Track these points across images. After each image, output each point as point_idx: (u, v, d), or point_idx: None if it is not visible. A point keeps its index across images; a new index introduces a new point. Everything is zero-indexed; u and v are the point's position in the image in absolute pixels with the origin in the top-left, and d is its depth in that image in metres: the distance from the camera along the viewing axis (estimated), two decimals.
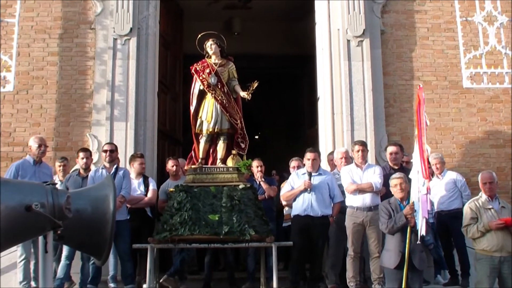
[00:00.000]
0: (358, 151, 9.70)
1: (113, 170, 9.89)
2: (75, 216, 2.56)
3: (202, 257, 11.61)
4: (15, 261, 9.67)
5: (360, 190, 9.50)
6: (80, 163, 10.18)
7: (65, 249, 9.53)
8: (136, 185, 10.37)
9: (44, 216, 2.39)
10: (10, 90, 11.95)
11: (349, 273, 9.34)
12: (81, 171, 10.08)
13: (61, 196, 2.50)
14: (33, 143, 9.80)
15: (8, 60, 12.10)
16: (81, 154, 10.17)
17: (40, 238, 2.49)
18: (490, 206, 8.72)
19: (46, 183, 2.56)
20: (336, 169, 10.56)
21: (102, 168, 10.06)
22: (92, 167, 10.73)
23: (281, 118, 21.28)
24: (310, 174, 9.68)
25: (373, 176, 9.51)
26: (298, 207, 9.76)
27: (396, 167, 9.97)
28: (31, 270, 9.49)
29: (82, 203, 2.65)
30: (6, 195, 2.40)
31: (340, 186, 9.82)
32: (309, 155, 9.92)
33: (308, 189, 9.62)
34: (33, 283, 9.40)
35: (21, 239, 2.81)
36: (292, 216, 10.02)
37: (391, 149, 10.29)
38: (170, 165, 10.95)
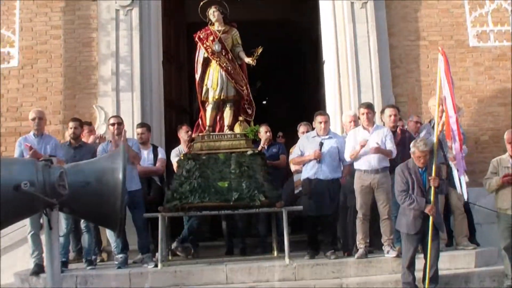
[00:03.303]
0: (363, 113, 9.60)
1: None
2: (81, 189, 2.55)
3: (214, 225, 11.70)
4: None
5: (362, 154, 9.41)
6: (69, 132, 10.14)
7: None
8: (145, 155, 10.37)
9: (34, 195, 2.37)
10: (15, 65, 11.94)
11: (359, 236, 9.36)
12: (72, 141, 10.05)
13: (53, 173, 2.47)
14: (30, 116, 9.79)
15: (11, 35, 12.07)
16: (70, 124, 10.11)
17: (43, 216, 2.48)
18: (509, 165, 8.82)
19: (45, 160, 2.54)
20: (345, 132, 10.53)
21: (109, 141, 10.03)
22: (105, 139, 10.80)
23: (287, 83, 21.19)
24: (321, 144, 9.61)
25: (388, 143, 9.40)
26: (308, 171, 9.74)
27: (393, 130, 9.87)
28: (43, 243, 9.53)
29: (86, 175, 2.63)
30: None
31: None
32: (320, 118, 9.86)
33: (318, 159, 9.58)
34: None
35: (15, 219, 2.76)
36: (301, 180, 10.00)
37: (390, 111, 10.13)
38: (185, 131, 10.91)
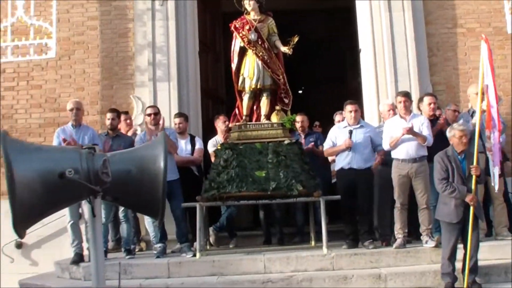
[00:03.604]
0: (400, 102, 9.49)
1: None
2: (123, 177, 2.55)
3: (252, 215, 11.73)
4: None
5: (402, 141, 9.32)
6: (106, 123, 10.22)
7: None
8: (183, 145, 10.40)
9: (78, 182, 2.38)
10: (53, 56, 12.05)
11: (397, 225, 9.29)
12: (109, 131, 10.12)
13: (97, 160, 2.48)
14: (67, 107, 9.88)
15: (49, 26, 12.18)
16: (108, 115, 10.21)
17: (86, 204, 2.49)
18: None
19: (88, 148, 2.55)
20: (383, 121, 10.46)
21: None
22: (138, 129, 10.85)
23: (323, 72, 21.09)
24: (350, 132, 9.56)
25: (424, 130, 9.29)
26: (341, 161, 9.70)
27: (431, 118, 9.77)
28: (83, 232, 9.65)
29: (127, 163, 2.64)
30: (39, 163, 2.40)
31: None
32: (349, 107, 9.81)
33: (349, 148, 9.53)
34: (87, 245, 9.55)
35: (60, 206, 2.79)
36: (336, 170, 9.97)
37: (428, 99, 10.01)
38: (222, 121, 10.93)
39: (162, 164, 2.60)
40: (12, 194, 2.27)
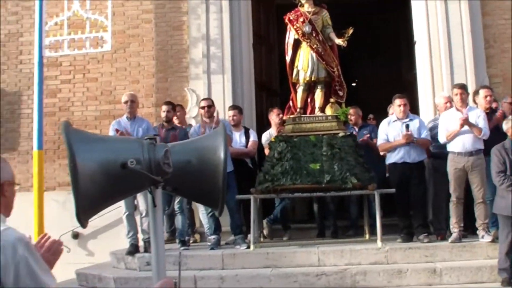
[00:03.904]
0: (456, 94, 9.35)
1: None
2: (183, 168, 2.57)
3: (306, 208, 11.71)
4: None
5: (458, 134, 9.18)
6: (162, 116, 10.28)
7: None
8: (237, 137, 10.42)
9: (140, 172, 2.40)
10: (108, 50, 12.14)
11: (453, 219, 9.16)
12: (164, 123, 10.17)
13: (158, 151, 2.49)
14: (122, 100, 9.99)
15: (104, 20, 12.26)
16: (163, 107, 10.25)
17: (148, 194, 2.51)
18: None
19: (150, 138, 2.57)
20: (438, 114, 10.33)
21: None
22: (193, 122, 10.92)
23: (378, 64, 20.94)
24: (407, 126, 9.46)
25: (481, 123, 9.15)
26: (394, 155, 9.62)
27: (487, 111, 9.60)
28: (138, 224, 9.75)
29: (188, 154, 2.65)
30: (101, 154, 2.42)
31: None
32: (398, 101, 9.73)
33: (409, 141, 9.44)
34: (142, 236, 9.65)
35: (122, 196, 2.81)
36: (388, 165, 9.90)
37: (485, 92, 9.82)
38: (276, 113, 10.92)
39: (222, 155, 2.61)
40: (75, 184, 2.30)
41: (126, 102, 9.85)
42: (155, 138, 2.53)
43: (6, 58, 12.65)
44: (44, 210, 9.69)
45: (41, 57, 10.24)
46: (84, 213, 2.40)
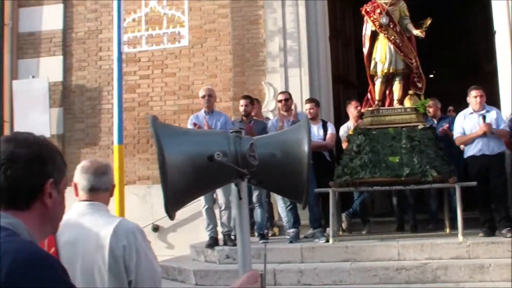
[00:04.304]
0: None
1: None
2: (267, 161, 2.56)
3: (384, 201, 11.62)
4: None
5: None
6: (240, 110, 10.31)
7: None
8: (315, 130, 10.39)
9: (227, 165, 2.40)
10: (186, 45, 12.26)
11: None
12: (243, 117, 10.20)
13: (244, 143, 2.49)
14: (200, 94, 10.09)
15: (181, 15, 12.39)
16: (241, 101, 10.30)
17: (233, 186, 2.52)
18: None
19: (235, 131, 2.58)
20: None
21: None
22: (270, 116, 10.94)
23: (456, 55, 20.57)
24: (484, 117, 9.27)
25: None
26: (472, 148, 9.44)
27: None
28: (217, 217, 9.83)
29: (272, 147, 2.65)
30: (188, 147, 2.44)
31: None
32: (474, 93, 9.55)
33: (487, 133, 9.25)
34: (222, 229, 9.74)
35: (209, 189, 2.84)
36: (466, 157, 9.71)
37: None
38: (354, 106, 10.85)
39: (306, 148, 2.59)
40: (164, 177, 2.33)
41: (203, 97, 9.94)
42: (240, 131, 2.53)
43: (86, 55, 12.93)
44: (125, 203, 9.84)
45: (120, 53, 10.37)
46: (172, 205, 2.42)
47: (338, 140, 10.65)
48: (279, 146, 2.64)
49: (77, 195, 3.71)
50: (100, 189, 3.67)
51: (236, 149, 2.44)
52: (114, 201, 9.56)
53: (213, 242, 9.68)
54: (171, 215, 2.44)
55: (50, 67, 12.98)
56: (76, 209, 3.63)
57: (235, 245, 9.43)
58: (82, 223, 3.52)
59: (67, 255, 3.37)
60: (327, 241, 9.29)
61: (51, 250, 3.37)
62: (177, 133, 2.50)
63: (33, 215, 2.16)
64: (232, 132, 2.52)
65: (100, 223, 3.52)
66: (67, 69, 12.97)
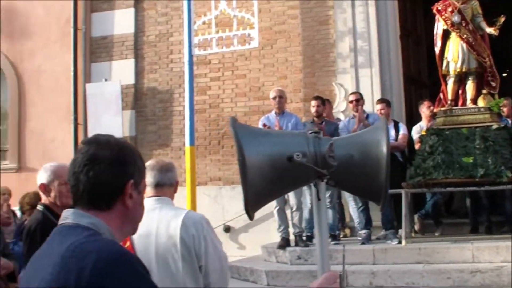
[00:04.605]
0: None
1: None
2: (345, 162, 2.56)
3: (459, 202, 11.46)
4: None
5: None
6: (312, 110, 10.29)
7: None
8: None
9: (306, 165, 2.41)
10: (256, 46, 12.32)
11: None
12: (315, 118, 10.16)
13: (323, 144, 2.49)
14: (271, 95, 10.13)
15: (251, 17, 12.46)
16: (312, 102, 10.26)
17: (312, 187, 2.52)
18: None
19: (314, 132, 2.58)
20: None
21: (351, 118, 10.12)
22: (341, 116, 10.90)
23: None
24: None
25: None
26: None
27: None
28: (288, 218, 9.85)
29: (350, 148, 2.64)
30: (268, 147, 2.45)
31: None
32: None
33: None
34: (293, 230, 9.76)
35: (288, 189, 2.87)
36: None
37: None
38: (426, 106, 10.72)
39: (385, 149, 2.57)
40: (244, 177, 2.35)
41: (274, 98, 9.97)
42: (319, 132, 2.54)
43: (158, 57, 13.11)
44: (197, 204, 9.93)
45: (191, 55, 10.48)
46: (252, 205, 2.44)
47: (410, 140, 10.53)
48: (357, 147, 2.64)
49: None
50: (165, 185, 4.03)
51: (315, 150, 2.44)
52: (186, 201, 9.75)
53: (284, 243, 9.69)
54: (250, 215, 2.46)
55: (122, 70, 13.22)
56: (145, 204, 3.80)
57: (306, 246, 9.47)
58: (152, 217, 3.82)
59: (141, 248, 3.75)
60: (400, 242, 9.21)
61: (126, 244, 3.70)
62: (256, 133, 2.52)
63: (114, 216, 2.22)
64: (311, 133, 2.52)
65: (169, 215, 3.87)
66: (139, 72, 13.18)
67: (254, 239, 11.19)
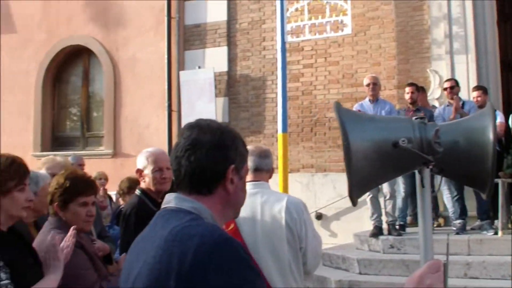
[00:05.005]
0: None
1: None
2: (450, 149, 2.51)
3: None
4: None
5: None
6: (406, 97, 10.14)
7: None
8: None
9: (412, 151, 2.37)
10: (349, 33, 12.24)
11: None
12: (409, 105, 10.00)
13: (429, 130, 2.45)
14: (364, 82, 10.07)
15: (344, 4, 12.37)
16: (407, 89, 10.13)
17: (416, 173, 2.48)
18: None
19: (420, 118, 2.54)
20: None
21: (447, 106, 9.93)
22: (436, 104, 10.73)
23: None
24: None
25: None
26: None
27: None
28: (382, 206, 9.76)
29: (455, 134, 2.59)
30: (373, 132, 2.42)
31: None
32: None
33: None
34: (386, 218, 9.68)
35: (392, 175, 2.85)
36: None
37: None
38: None
39: (491, 136, 2.51)
40: (349, 162, 2.33)
41: (368, 85, 9.90)
42: (424, 117, 2.50)
43: (250, 45, 13.16)
44: (289, 191, 9.94)
45: (283, 42, 10.49)
46: (356, 190, 2.43)
47: (507, 129, 10.26)
48: (463, 133, 2.59)
49: None
50: (262, 170, 4.32)
51: (421, 136, 2.41)
52: (278, 188, 9.79)
53: (377, 232, 9.63)
54: (354, 201, 2.45)
55: (215, 58, 13.34)
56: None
57: (399, 235, 9.38)
58: (256, 200, 4.13)
59: (247, 231, 4.06)
60: (496, 233, 9.02)
61: (230, 227, 3.99)
62: (361, 119, 2.50)
63: (216, 200, 2.23)
64: (416, 118, 2.48)
65: (271, 199, 4.17)
66: (231, 59, 13.27)
67: (346, 227, 11.15)
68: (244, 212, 3.79)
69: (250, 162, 4.15)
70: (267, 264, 4.01)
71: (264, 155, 4.37)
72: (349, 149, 2.31)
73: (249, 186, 3.91)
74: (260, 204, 4.13)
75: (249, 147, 4.19)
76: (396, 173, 2.73)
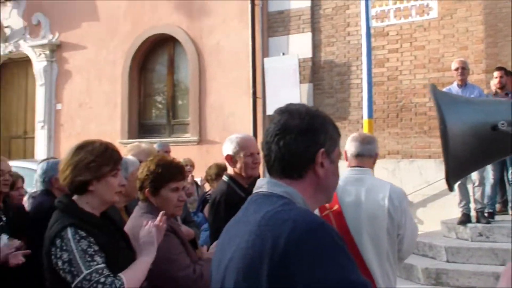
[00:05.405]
0: None
1: None
2: None
3: None
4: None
5: None
6: (494, 82, 9.90)
7: None
8: None
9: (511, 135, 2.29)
10: (435, 17, 12.00)
11: None
12: (498, 90, 9.77)
13: None
14: (452, 67, 9.85)
15: None
16: (495, 73, 9.97)
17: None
18: None
19: None
20: None
21: None
22: None
23: None
24: None
25: None
26: None
27: None
28: (470, 193, 9.59)
29: None
30: (470, 115, 2.37)
31: None
32: None
33: None
34: (475, 205, 9.51)
35: (491, 160, 2.77)
36: None
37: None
38: None
39: None
40: (446, 146, 2.29)
41: (456, 69, 9.71)
42: None
43: (334, 30, 13.06)
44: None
45: (368, 27, 10.40)
46: (453, 175, 2.38)
47: None
48: None
49: (346, 160, 4.46)
50: (364, 156, 4.41)
51: None
52: None
53: (465, 219, 9.47)
54: (451, 186, 2.40)
55: (300, 44, 13.29)
56: (349, 173, 4.39)
57: (488, 222, 9.19)
58: (360, 185, 4.27)
59: (351, 215, 4.20)
60: None
61: (334, 207, 4.20)
62: (458, 101, 2.45)
63: (306, 184, 2.22)
64: None
65: (375, 186, 4.28)
66: (316, 45, 13.20)
67: (433, 214, 10.97)
68: (348, 196, 4.24)
69: (352, 148, 4.41)
70: (367, 248, 4.13)
71: (367, 141, 4.48)
72: (446, 132, 2.27)
73: (352, 172, 4.37)
74: (365, 190, 4.24)
75: (354, 134, 4.61)
76: (494, 158, 2.66)
